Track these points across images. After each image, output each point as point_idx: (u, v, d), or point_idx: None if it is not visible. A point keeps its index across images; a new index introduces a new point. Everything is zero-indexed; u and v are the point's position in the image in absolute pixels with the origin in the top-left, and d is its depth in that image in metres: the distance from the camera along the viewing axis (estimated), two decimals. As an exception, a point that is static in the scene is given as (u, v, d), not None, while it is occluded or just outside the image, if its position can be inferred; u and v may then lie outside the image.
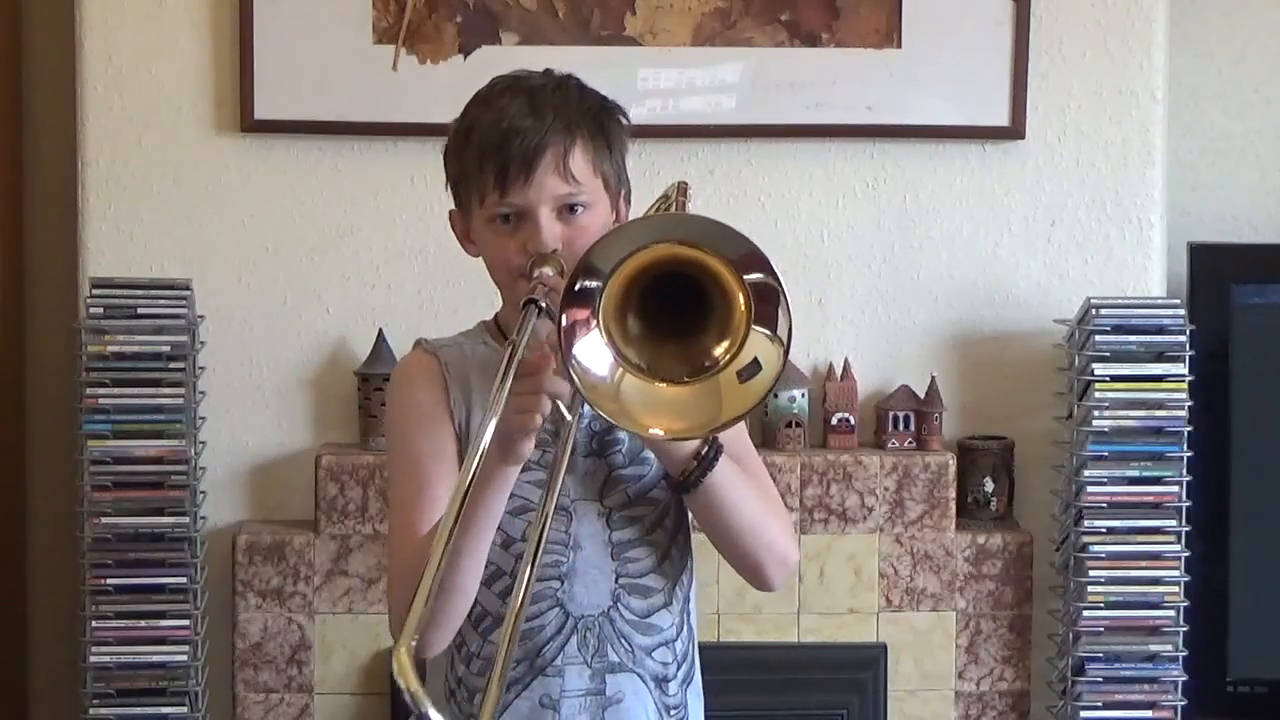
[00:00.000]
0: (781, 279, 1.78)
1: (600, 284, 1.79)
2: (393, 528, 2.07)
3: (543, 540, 1.82)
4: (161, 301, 3.02)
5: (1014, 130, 3.20)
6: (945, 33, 3.17)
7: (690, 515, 2.12)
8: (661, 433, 1.86)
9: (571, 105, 2.03)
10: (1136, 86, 3.23)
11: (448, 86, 3.09)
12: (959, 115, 3.20)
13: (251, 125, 3.12)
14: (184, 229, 3.15)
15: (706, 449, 1.99)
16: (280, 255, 3.17)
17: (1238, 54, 3.50)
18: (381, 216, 3.18)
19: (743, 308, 1.80)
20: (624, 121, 2.09)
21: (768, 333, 1.80)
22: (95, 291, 3.03)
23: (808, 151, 3.20)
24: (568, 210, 2.00)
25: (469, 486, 1.74)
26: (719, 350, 1.83)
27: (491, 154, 2.00)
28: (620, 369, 1.82)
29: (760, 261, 1.79)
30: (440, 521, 1.75)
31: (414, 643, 1.65)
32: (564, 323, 1.79)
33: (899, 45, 3.17)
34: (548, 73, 2.08)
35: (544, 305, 1.89)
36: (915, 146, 3.21)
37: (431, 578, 1.69)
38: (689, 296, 1.83)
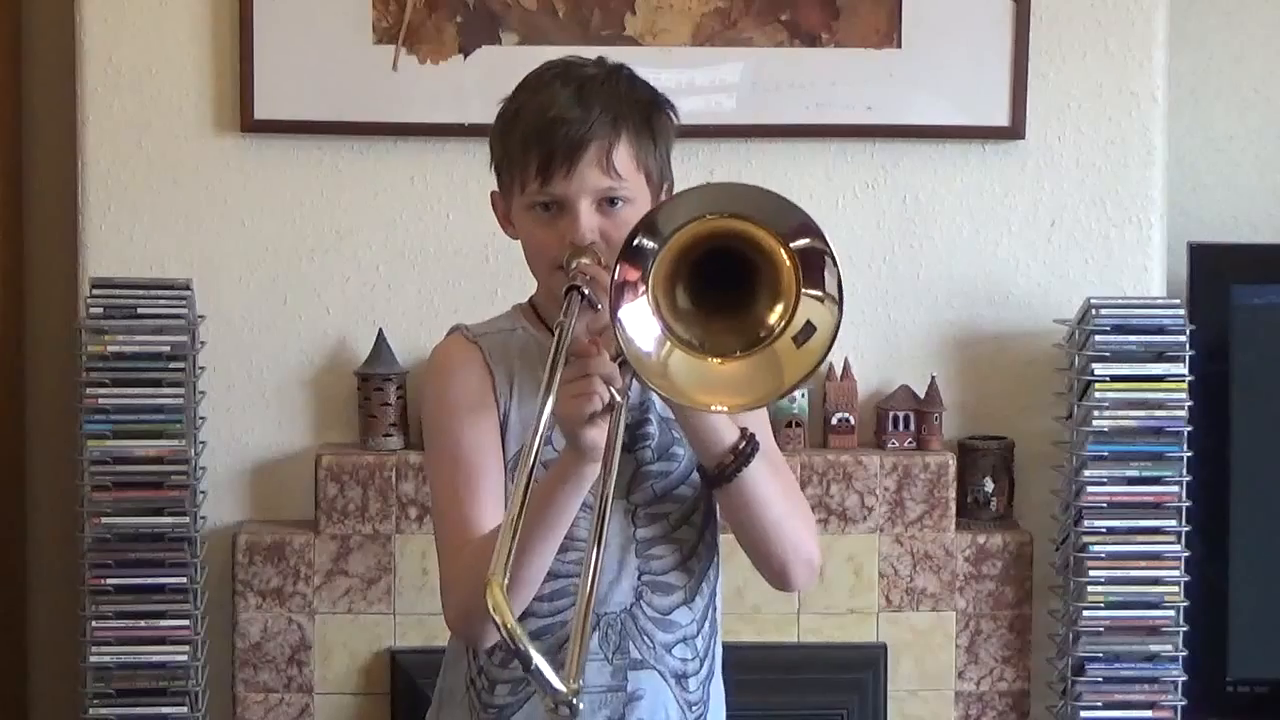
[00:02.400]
0: (828, 240, 1.78)
1: (657, 246, 1.78)
2: (444, 523, 2.05)
3: (605, 523, 1.81)
4: (161, 301, 3.02)
5: (1014, 130, 3.20)
6: (945, 33, 3.17)
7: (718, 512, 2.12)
8: (725, 408, 1.86)
9: (620, 98, 2.03)
10: (1136, 86, 3.23)
11: (448, 86, 3.10)
12: (959, 115, 3.20)
13: (251, 125, 3.12)
14: (184, 229, 3.15)
15: (744, 444, 1.98)
16: (280, 255, 3.17)
17: (1238, 54, 3.50)
18: (381, 216, 3.18)
19: (791, 273, 1.80)
20: (672, 116, 2.09)
21: (818, 294, 1.80)
22: (95, 291, 3.03)
23: (808, 151, 3.20)
24: (608, 203, 2.00)
25: (533, 467, 1.73)
26: (773, 318, 1.82)
27: (536, 141, 1.99)
28: (669, 343, 1.81)
29: (808, 228, 1.79)
30: (507, 513, 1.75)
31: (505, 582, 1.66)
32: (616, 277, 1.78)
33: (899, 45, 3.17)
34: (600, 61, 2.08)
35: (586, 293, 1.89)
36: (915, 146, 3.21)
37: (509, 541, 1.68)
38: (733, 271, 1.82)
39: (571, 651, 1.68)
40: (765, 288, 1.83)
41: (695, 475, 2.08)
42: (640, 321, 1.80)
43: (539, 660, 1.62)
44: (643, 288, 1.80)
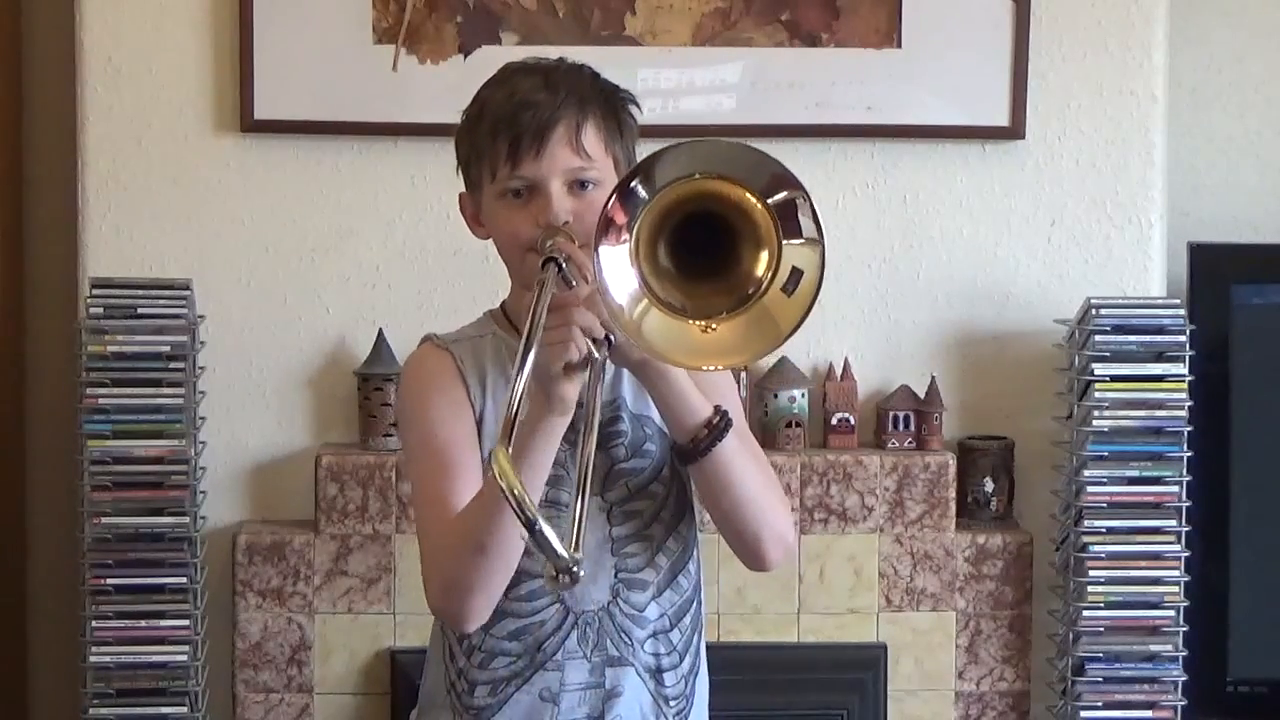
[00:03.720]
0: (802, 184, 1.80)
1: (647, 197, 1.79)
2: (423, 509, 2.06)
3: (589, 467, 1.82)
4: (161, 301, 3.02)
5: (1014, 130, 3.20)
6: (945, 33, 3.17)
7: (694, 499, 2.12)
8: (717, 367, 1.89)
9: (584, 84, 2.05)
10: (1136, 86, 3.23)
11: (448, 86, 3.09)
12: (959, 115, 3.20)
13: (251, 125, 3.12)
14: (184, 229, 3.15)
15: (718, 419, 1.99)
16: (280, 255, 3.17)
17: (1238, 54, 3.50)
18: (381, 216, 3.18)
19: (770, 226, 1.81)
20: (636, 110, 2.10)
21: (799, 241, 1.81)
22: (95, 291, 3.03)
23: (808, 151, 3.20)
24: (578, 186, 2.02)
25: (517, 406, 1.74)
26: (759, 270, 1.83)
27: (504, 127, 2.01)
28: (645, 300, 1.81)
29: (782, 179, 1.80)
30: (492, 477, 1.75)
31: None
32: (606, 210, 1.79)
33: (899, 45, 3.17)
34: (561, 59, 2.10)
35: (563, 265, 1.90)
36: (915, 146, 3.21)
37: (513, 414, 1.69)
38: (713, 237, 1.83)
39: (572, 523, 1.70)
40: (748, 243, 1.83)
41: (666, 471, 2.09)
42: (619, 269, 1.80)
43: (543, 525, 1.63)
44: (626, 235, 1.80)
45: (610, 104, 2.06)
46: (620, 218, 1.79)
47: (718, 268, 1.84)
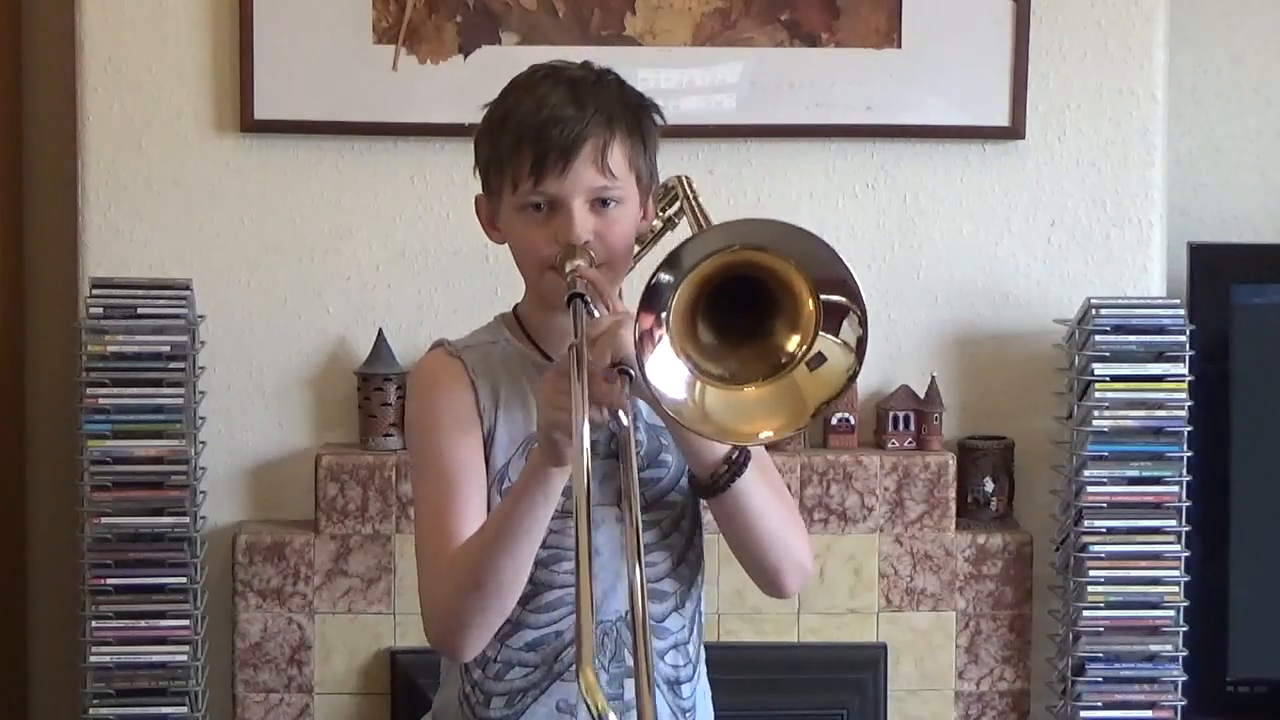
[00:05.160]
0: (863, 300, 1.80)
1: (675, 280, 1.76)
2: (425, 534, 2.05)
3: (639, 542, 1.77)
4: (161, 301, 3.02)
5: (1014, 130, 3.20)
6: (945, 33, 3.17)
7: (706, 520, 2.11)
8: (772, 434, 1.85)
9: (612, 99, 2.02)
10: (1136, 86, 3.23)
11: (448, 86, 3.10)
12: (959, 115, 3.20)
13: (251, 125, 3.12)
14: (184, 229, 3.15)
15: (738, 453, 1.97)
16: (280, 255, 3.17)
17: (1238, 54, 3.50)
18: (381, 216, 3.18)
19: (812, 315, 1.80)
20: (659, 120, 2.08)
21: (834, 339, 1.81)
22: (95, 291, 3.03)
23: (808, 151, 3.20)
24: (600, 204, 1.99)
25: (588, 487, 1.70)
26: (791, 346, 1.82)
27: (530, 140, 1.98)
28: (699, 383, 1.80)
29: (845, 285, 1.79)
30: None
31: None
32: (636, 328, 1.77)
33: (899, 45, 3.17)
34: (587, 65, 2.07)
35: (588, 299, 1.88)
36: (915, 146, 3.21)
37: (589, 623, 1.64)
38: (748, 296, 1.81)
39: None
40: (784, 319, 1.82)
41: (684, 481, 2.07)
42: (667, 368, 1.78)
43: None
44: (660, 331, 1.77)
45: (636, 117, 2.03)
46: (648, 320, 1.76)
47: (754, 330, 1.83)
